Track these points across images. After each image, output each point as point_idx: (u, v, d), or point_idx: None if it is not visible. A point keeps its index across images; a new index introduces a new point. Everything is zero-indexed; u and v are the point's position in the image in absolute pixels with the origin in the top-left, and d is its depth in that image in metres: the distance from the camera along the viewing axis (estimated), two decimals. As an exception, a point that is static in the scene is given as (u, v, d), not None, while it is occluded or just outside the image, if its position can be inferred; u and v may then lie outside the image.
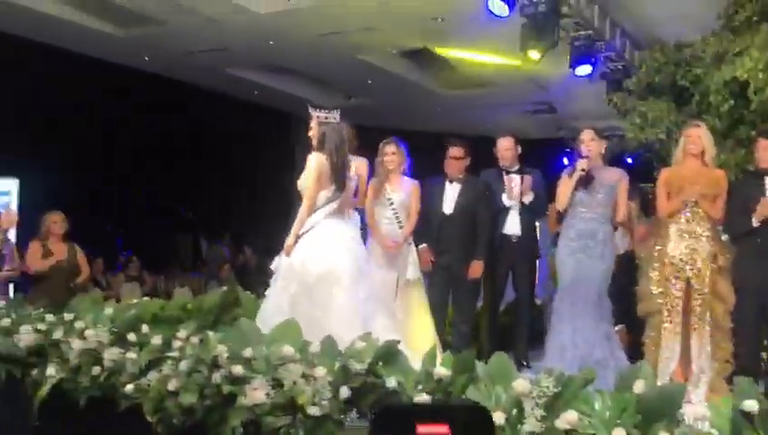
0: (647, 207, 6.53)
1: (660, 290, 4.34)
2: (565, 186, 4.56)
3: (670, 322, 4.24)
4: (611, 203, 4.55)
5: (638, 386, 2.92)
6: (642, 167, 7.15)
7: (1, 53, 7.79)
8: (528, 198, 5.24)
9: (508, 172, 5.31)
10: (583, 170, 4.48)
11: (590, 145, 4.56)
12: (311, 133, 4.49)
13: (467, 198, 5.12)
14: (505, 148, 5.32)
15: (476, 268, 5.01)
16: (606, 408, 2.96)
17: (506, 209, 5.25)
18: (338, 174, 4.35)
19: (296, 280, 4.21)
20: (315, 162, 4.32)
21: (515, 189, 5.24)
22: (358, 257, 4.24)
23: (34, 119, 8.30)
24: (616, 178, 4.56)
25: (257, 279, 9.03)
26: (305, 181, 4.33)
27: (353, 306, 4.16)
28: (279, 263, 4.37)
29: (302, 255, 4.24)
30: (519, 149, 5.37)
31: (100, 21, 8.52)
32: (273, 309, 4.26)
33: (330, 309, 4.14)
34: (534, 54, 6.81)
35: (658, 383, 3.22)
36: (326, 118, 4.48)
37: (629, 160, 8.68)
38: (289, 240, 4.29)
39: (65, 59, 8.79)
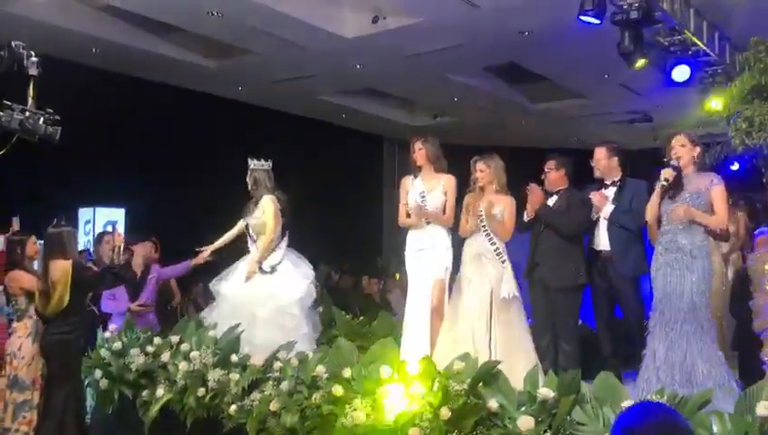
0: (757, 217, 6.17)
1: (777, 305, 4.06)
2: (655, 197, 4.35)
3: (791, 337, 3.96)
4: (703, 212, 4.28)
5: (762, 408, 2.72)
6: (750, 174, 6.76)
7: (101, 90, 8.25)
8: (605, 213, 4.96)
9: (606, 185, 5.09)
10: (666, 180, 4.25)
11: (679, 152, 4.29)
12: (248, 178, 5.32)
13: (560, 211, 5.01)
14: (597, 158, 5.12)
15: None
16: (726, 431, 2.79)
17: (596, 223, 5.03)
18: (283, 213, 5.23)
19: (274, 305, 5.01)
20: (273, 203, 5.18)
21: (600, 202, 5.02)
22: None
23: (138, 150, 8.72)
24: (706, 185, 4.25)
25: (350, 300, 9.11)
26: (266, 220, 5.17)
27: None
28: (227, 288, 5.23)
29: (287, 285, 5.12)
30: (616, 159, 5.12)
31: (195, 54, 8.90)
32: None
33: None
34: (640, 64, 6.57)
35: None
36: (254, 166, 5.31)
37: (734, 168, 8.23)
38: (252, 268, 5.19)
39: (163, 91, 9.23)
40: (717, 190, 4.23)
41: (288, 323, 5.00)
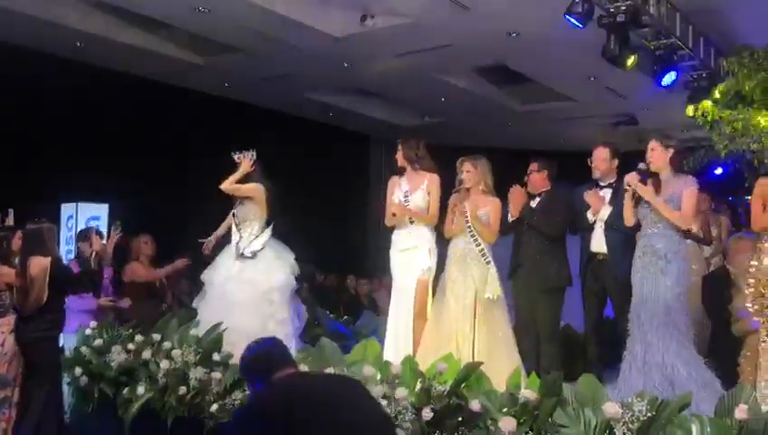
0: (738, 221, 6.23)
1: (757, 308, 4.09)
2: (627, 202, 4.37)
3: (769, 341, 3.99)
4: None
5: (741, 411, 2.74)
6: (733, 179, 6.83)
7: (86, 84, 8.19)
8: (603, 215, 4.95)
9: (601, 187, 5.06)
10: (629, 185, 4.29)
11: (649, 156, 4.31)
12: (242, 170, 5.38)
13: (542, 212, 5.03)
14: (599, 158, 5.03)
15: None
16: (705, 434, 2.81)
17: (591, 226, 5.05)
18: (271, 204, 5.35)
19: (253, 290, 5.11)
20: (260, 191, 5.31)
21: (596, 204, 5.02)
22: None
23: (121, 145, 8.65)
24: (680, 187, 4.28)
25: (335, 299, 9.09)
26: (258, 206, 5.32)
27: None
28: (213, 276, 5.29)
29: (267, 271, 5.22)
30: (616, 161, 5.05)
31: (182, 49, 8.85)
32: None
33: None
34: (631, 62, 6.58)
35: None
36: (241, 158, 5.38)
37: (718, 172, 8.30)
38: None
39: (148, 87, 9.16)
40: (688, 191, 4.26)
41: (266, 310, 5.07)
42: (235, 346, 4.53)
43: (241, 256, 5.22)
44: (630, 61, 6.61)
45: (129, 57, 8.57)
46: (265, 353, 2.72)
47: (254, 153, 5.39)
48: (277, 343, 2.83)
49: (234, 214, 5.38)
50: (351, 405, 2.47)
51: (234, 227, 5.36)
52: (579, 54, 7.50)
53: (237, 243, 5.26)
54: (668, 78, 7.28)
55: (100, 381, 4.94)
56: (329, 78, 9.67)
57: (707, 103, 7.02)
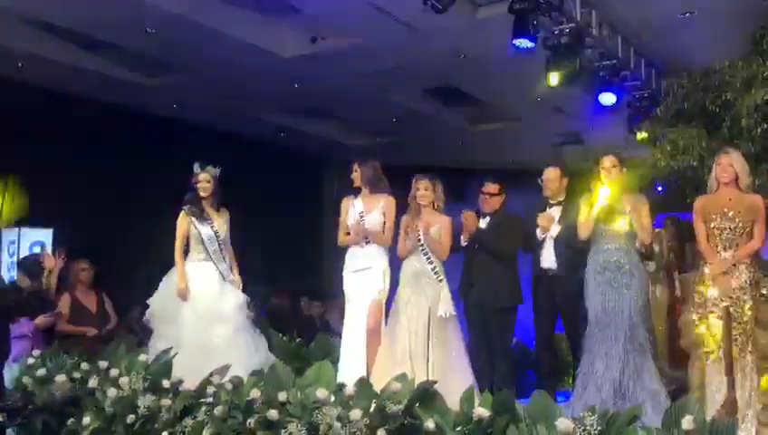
0: (683, 236, 6.40)
1: (705, 325, 4.21)
2: (585, 216, 4.48)
3: (713, 352, 4.11)
4: (634, 230, 4.43)
5: (687, 422, 2.81)
6: (674, 195, 7.04)
7: (33, 105, 8.00)
8: (553, 232, 5.07)
9: (551, 205, 5.18)
10: (606, 201, 4.42)
11: (611, 173, 4.48)
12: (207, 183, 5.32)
13: (494, 233, 5.08)
14: (549, 178, 5.18)
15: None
16: (653, 446, 2.86)
17: (541, 243, 5.13)
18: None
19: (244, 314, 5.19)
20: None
21: (547, 224, 5.11)
22: None
23: (67, 169, 8.45)
24: (634, 203, 4.46)
25: (289, 321, 8.99)
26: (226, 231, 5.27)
27: None
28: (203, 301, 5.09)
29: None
30: (566, 180, 5.22)
31: (130, 71, 8.72)
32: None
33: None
34: (553, 79, 6.74)
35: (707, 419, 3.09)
36: (215, 173, 5.34)
37: (660, 189, 8.56)
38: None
39: (96, 109, 8.99)
40: (642, 210, 4.45)
41: (253, 329, 5.19)
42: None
43: (224, 280, 5.17)
44: (553, 78, 6.76)
45: (74, 78, 8.40)
46: None
47: (218, 170, 5.32)
48: None
49: (216, 236, 5.19)
50: None
51: (211, 248, 5.17)
52: (525, 75, 7.66)
53: (222, 268, 5.18)
54: (608, 98, 7.50)
55: (43, 412, 4.77)
56: (279, 98, 9.64)
57: (649, 122, 7.25)
